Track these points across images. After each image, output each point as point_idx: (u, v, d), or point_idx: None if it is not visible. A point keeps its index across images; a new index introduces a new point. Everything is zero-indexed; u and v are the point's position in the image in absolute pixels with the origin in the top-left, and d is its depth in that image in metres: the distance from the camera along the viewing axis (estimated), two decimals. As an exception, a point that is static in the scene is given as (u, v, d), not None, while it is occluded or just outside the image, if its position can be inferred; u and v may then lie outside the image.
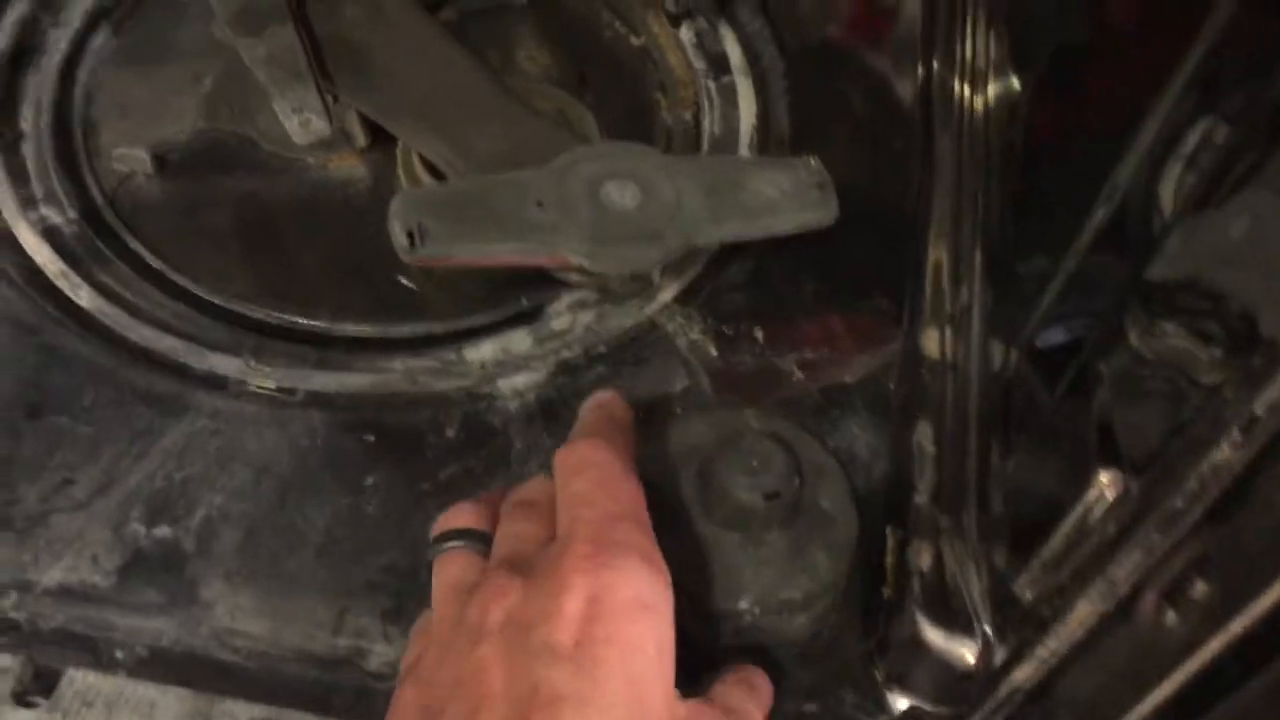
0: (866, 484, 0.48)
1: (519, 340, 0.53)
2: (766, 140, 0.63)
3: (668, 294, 0.55)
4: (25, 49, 0.63)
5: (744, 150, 0.62)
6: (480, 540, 0.39)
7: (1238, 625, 0.26)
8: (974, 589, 0.42)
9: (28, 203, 0.56)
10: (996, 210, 0.54)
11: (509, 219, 0.48)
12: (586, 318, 0.54)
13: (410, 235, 0.46)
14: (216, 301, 0.54)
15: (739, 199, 0.51)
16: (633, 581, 0.34)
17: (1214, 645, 0.27)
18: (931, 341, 0.51)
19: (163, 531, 0.45)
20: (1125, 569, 0.31)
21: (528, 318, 0.54)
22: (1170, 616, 0.29)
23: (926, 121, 0.59)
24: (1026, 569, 0.38)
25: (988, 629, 0.41)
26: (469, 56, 0.58)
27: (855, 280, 0.55)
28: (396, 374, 0.51)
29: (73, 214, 0.56)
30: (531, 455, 0.49)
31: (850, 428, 0.50)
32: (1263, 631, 0.26)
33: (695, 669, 0.37)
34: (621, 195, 0.50)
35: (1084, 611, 0.33)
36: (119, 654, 0.43)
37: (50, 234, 0.55)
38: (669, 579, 0.35)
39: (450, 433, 0.49)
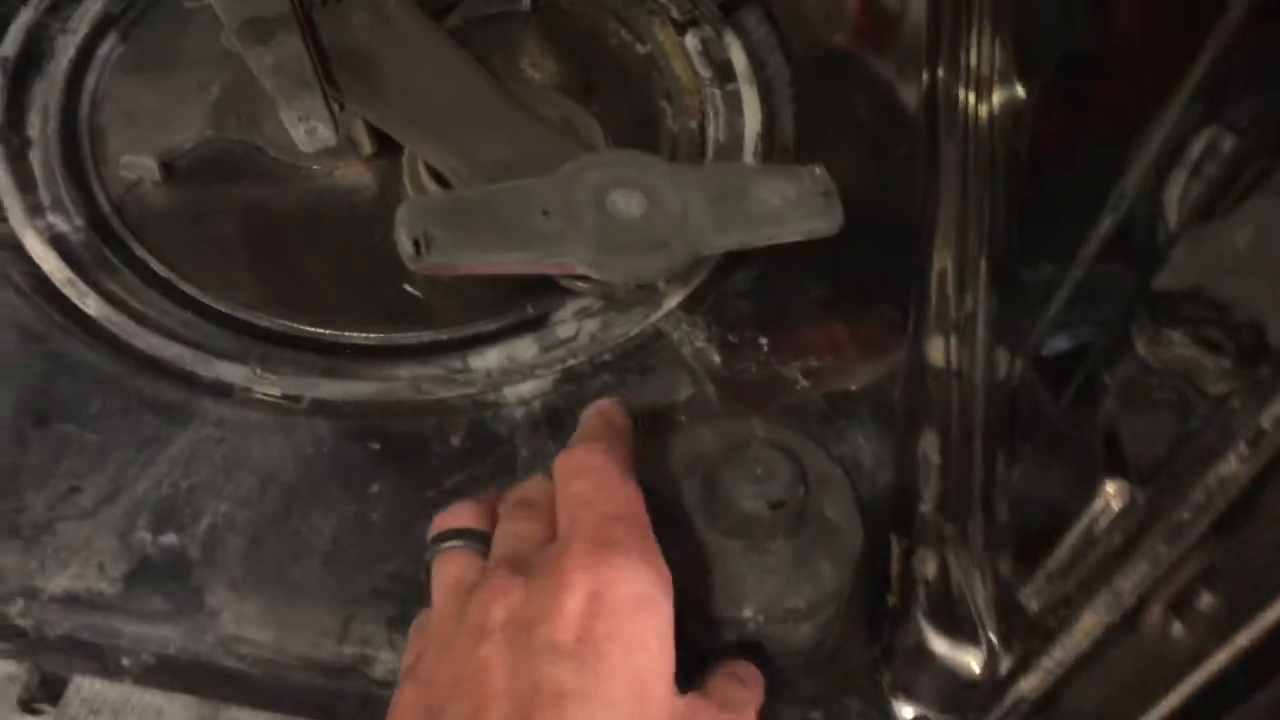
0: (871, 492, 0.48)
1: (524, 348, 0.53)
2: (771, 148, 0.63)
3: (673, 301, 0.55)
4: (33, 56, 0.64)
5: (749, 158, 0.62)
6: (479, 540, 0.39)
7: (1244, 638, 0.26)
8: (979, 598, 0.42)
9: (35, 210, 0.56)
10: (1001, 218, 0.54)
11: (515, 227, 0.48)
12: (592, 325, 0.54)
13: (416, 243, 0.47)
14: (223, 309, 0.54)
15: (744, 208, 0.51)
16: (633, 579, 0.34)
17: (1221, 658, 0.27)
18: (936, 350, 0.51)
19: (169, 539, 0.46)
20: (1131, 580, 0.31)
21: (533, 325, 0.54)
22: (1177, 628, 0.29)
23: (931, 129, 0.59)
24: (1032, 578, 0.38)
25: (993, 638, 0.41)
26: (475, 64, 0.59)
27: (860, 288, 0.55)
28: (402, 382, 0.51)
29: (80, 221, 0.56)
30: (537, 463, 0.49)
31: (855, 436, 0.50)
32: (1270, 644, 0.25)
33: (691, 667, 0.37)
34: (627, 204, 0.50)
35: (1090, 622, 0.33)
36: (125, 661, 0.43)
37: (57, 241, 0.55)
38: (668, 577, 0.35)
39: (455, 441, 0.50)
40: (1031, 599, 0.38)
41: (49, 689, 0.42)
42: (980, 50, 0.59)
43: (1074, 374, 0.41)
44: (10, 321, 0.52)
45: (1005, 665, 0.40)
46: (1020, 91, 0.57)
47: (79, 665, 0.43)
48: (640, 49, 0.69)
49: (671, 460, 0.43)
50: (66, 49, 0.64)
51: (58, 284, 0.54)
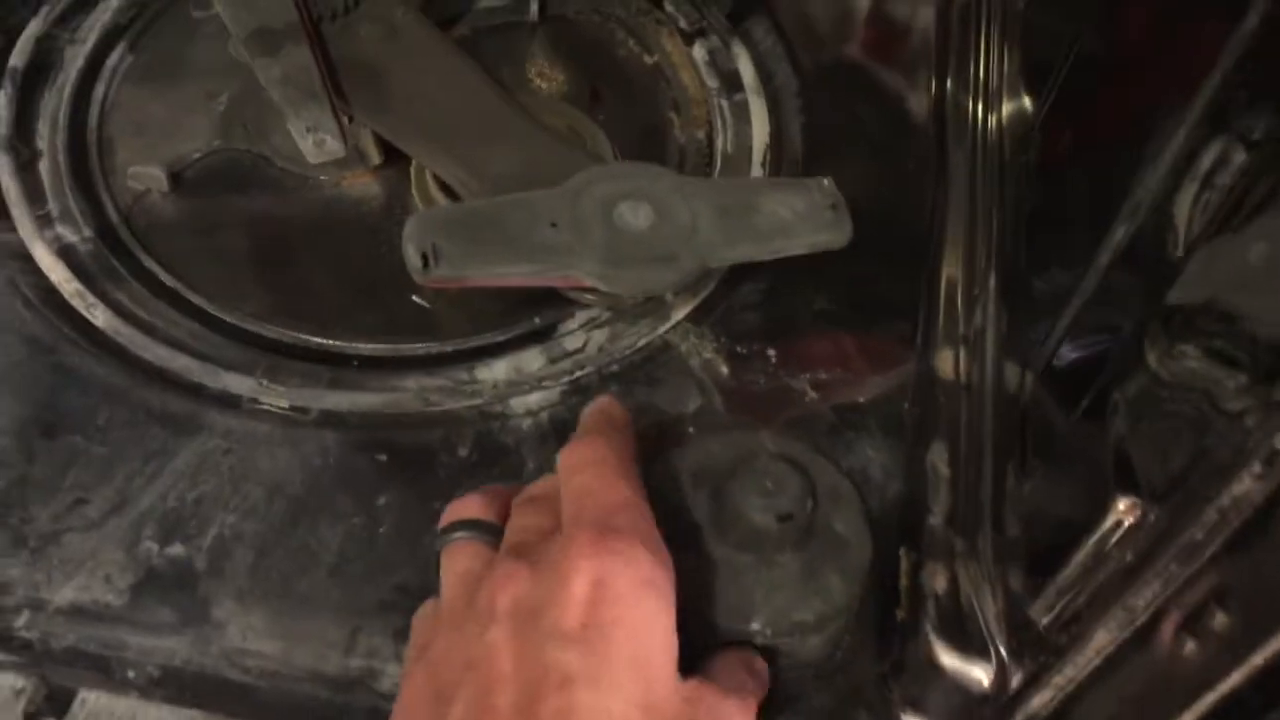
0: (880, 505, 0.47)
1: (531, 359, 0.53)
2: (780, 159, 0.62)
3: (680, 313, 0.54)
4: (41, 66, 0.64)
5: (757, 169, 0.62)
6: (487, 531, 0.40)
7: (1259, 658, 0.26)
8: (989, 612, 0.42)
9: (43, 221, 0.56)
10: (1011, 229, 0.54)
11: (523, 240, 0.48)
12: (599, 337, 0.54)
13: (424, 257, 0.46)
14: (230, 320, 0.54)
15: (753, 220, 0.51)
16: (636, 565, 0.35)
17: (1235, 677, 0.26)
18: (946, 362, 0.51)
19: (175, 551, 0.46)
20: (1144, 598, 0.30)
21: (540, 337, 0.54)
22: (1190, 647, 0.29)
23: (940, 140, 0.59)
24: (1042, 593, 0.38)
25: (1003, 652, 0.40)
26: (483, 76, 0.59)
27: (869, 300, 0.55)
28: (409, 393, 0.51)
29: (88, 232, 0.56)
30: (544, 475, 0.48)
31: (864, 449, 0.50)
32: (1284, 665, 0.25)
33: (694, 655, 0.37)
34: (635, 216, 0.49)
35: (1101, 639, 0.33)
36: (131, 673, 0.43)
37: (65, 252, 0.55)
38: (670, 563, 0.36)
39: (463, 452, 0.49)
40: (1042, 614, 0.38)
41: (55, 702, 0.42)
42: (989, 61, 0.59)
43: (1084, 387, 0.40)
44: (18, 333, 0.52)
45: (1015, 679, 0.39)
46: (1028, 103, 0.57)
47: (85, 677, 0.43)
48: (647, 59, 0.69)
49: (679, 473, 0.43)
50: (75, 59, 0.64)
51: (66, 295, 0.53)
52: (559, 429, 0.50)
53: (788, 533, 0.40)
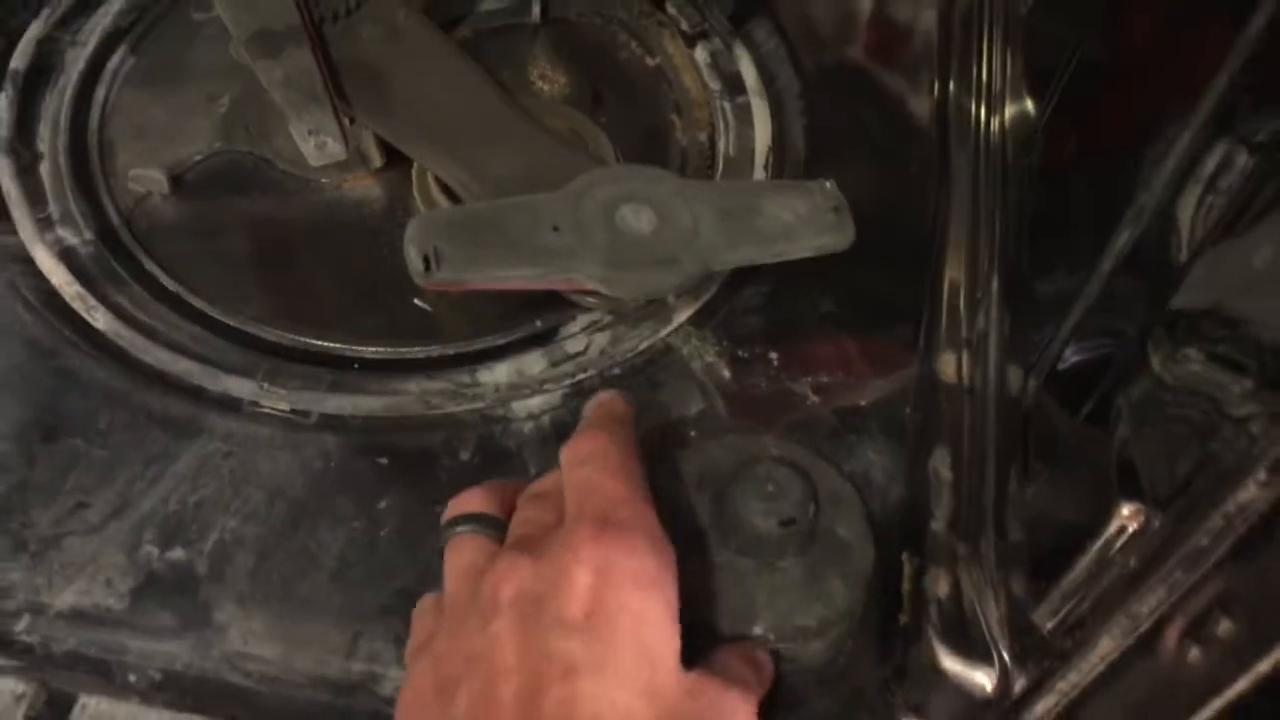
0: (882, 510, 0.47)
1: (533, 362, 0.53)
2: (782, 161, 0.62)
3: (682, 316, 0.54)
4: (42, 69, 0.64)
5: (759, 171, 0.62)
6: (490, 525, 0.40)
7: (1265, 665, 0.25)
8: (992, 617, 0.42)
9: (44, 224, 0.56)
10: (1014, 232, 0.54)
11: (524, 243, 0.48)
12: (601, 340, 0.54)
13: (426, 260, 0.46)
14: (231, 323, 0.54)
15: (755, 224, 0.51)
16: (637, 556, 0.35)
17: (1240, 684, 0.26)
18: (948, 366, 0.51)
19: (176, 554, 0.45)
20: (1148, 604, 0.30)
21: (542, 340, 0.54)
22: (1194, 654, 0.28)
23: (943, 143, 0.59)
24: (1046, 598, 0.38)
25: (1006, 657, 0.40)
26: (485, 79, 0.58)
27: (871, 303, 0.55)
28: (410, 396, 0.51)
29: (89, 235, 0.56)
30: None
31: (866, 453, 0.49)
32: (1291, 672, 0.25)
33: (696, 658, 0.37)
34: (637, 219, 0.49)
35: (1105, 645, 0.33)
36: (132, 678, 0.43)
37: (66, 255, 0.55)
38: (672, 553, 0.36)
39: (464, 455, 0.49)
40: (1045, 619, 0.38)
41: (56, 708, 0.42)
42: (991, 64, 0.59)
43: (1088, 391, 0.40)
44: (19, 336, 0.52)
45: (1018, 684, 0.39)
46: (1030, 105, 0.57)
47: (85, 682, 0.43)
48: (649, 61, 0.68)
49: (681, 477, 0.43)
50: (76, 62, 0.64)
51: (66, 298, 0.53)
52: (561, 432, 0.50)
53: (790, 537, 0.40)
